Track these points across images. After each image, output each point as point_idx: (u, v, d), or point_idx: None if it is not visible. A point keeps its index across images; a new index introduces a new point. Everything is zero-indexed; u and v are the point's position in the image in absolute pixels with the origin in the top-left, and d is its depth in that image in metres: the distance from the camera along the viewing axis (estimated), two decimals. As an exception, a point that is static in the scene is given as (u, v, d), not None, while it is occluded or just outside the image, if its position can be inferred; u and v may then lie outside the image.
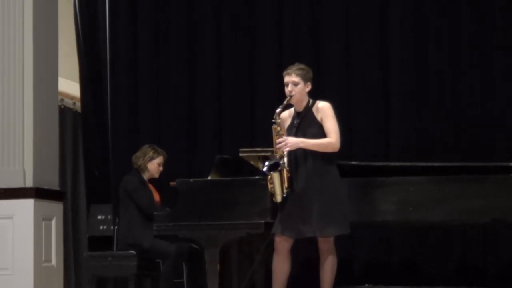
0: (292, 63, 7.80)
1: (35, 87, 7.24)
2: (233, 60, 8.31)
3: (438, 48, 7.86)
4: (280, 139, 5.74)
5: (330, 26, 8.08)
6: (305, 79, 5.85)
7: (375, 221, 6.29)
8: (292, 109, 5.93)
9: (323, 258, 5.88)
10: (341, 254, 6.03)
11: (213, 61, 8.34)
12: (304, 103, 5.88)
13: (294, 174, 5.77)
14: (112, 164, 8.37)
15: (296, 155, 5.78)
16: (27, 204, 7.10)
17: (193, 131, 8.33)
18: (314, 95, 5.98)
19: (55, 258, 7.37)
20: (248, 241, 6.70)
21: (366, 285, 7.60)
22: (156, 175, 7.40)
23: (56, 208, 7.41)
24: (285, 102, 5.79)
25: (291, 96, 5.80)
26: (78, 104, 9.02)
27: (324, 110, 5.84)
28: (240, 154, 6.63)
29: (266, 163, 5.73)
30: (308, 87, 5.88)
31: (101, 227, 8.15)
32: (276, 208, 5.96)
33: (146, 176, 7.38)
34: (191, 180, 6.37)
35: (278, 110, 5.78)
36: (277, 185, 5.70)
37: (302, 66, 5.92)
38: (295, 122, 5.87)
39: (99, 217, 8.18)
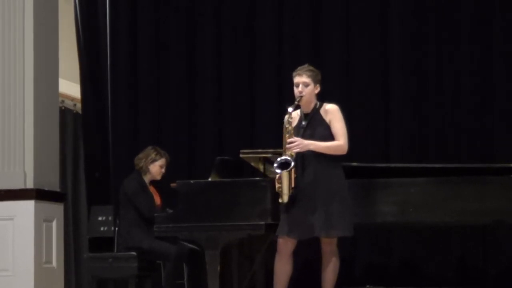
0: (292, 63, 7.84)
1: (36, 88, 7.25)
2: (233, 60, 8.31)
3: (438, 49, 7.86)
4: (291, 139, 5.73)
5: (330, 25, 8.08)
6: (315, 81, 5.88)
7: (375, 222, 6.29)
8: (298, 111, 5.92)
9: (325, 260, 5.88)
10: (341, 255, 6.03)
11: (214, 61, 8.34)
12: (312, 105, 5.90)
13: (300, 175, 5.77)
14: (112, 165, 8.36)
15: (304, 155, 5.78)
16: (28, 206, 7.11)
17: (194, 132, 8.33)
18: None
19: (56, 259, 7.38)
20: (248, 242, 6.69)
21: (367, 286, 7.59)
22: (158, 177, 7.38)
23: (56, 210, 7.42)
24: (296, 102, 5.80)
25: (301, 97, 5.80)
26: (79, 105, 9.02)
27: (332, 112, 5.87)
28: (241, 155, 6.63)
29: (278, 160, 5.71)
30: (317, 89, 5.91)
31: (101, 229, 8.15)
32: (277, 209, 5.96)
33: (147, 178, 7.36)
34: (192, 181, 6.36)
35: (290, 110, 5.77)
36: (285, 185, 5.69)
37: (312, 68, 5.94)
38: (303, 123, 5.87)
39: (100, 218, 8.17)
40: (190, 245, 7.20)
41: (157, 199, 7.35)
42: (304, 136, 5.78)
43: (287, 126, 5.78)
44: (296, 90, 5.85)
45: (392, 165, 6.78)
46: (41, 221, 7.19)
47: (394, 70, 7.92)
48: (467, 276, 7.61)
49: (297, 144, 5.71)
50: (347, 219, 5.79)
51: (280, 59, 8.17)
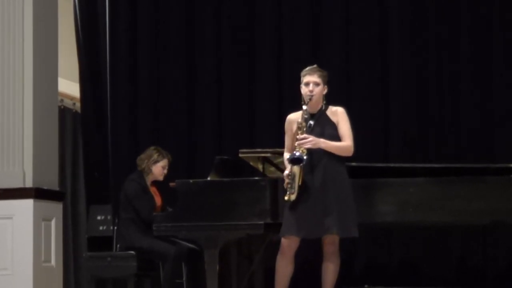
0: (292, 63, 7.88)
1: (35, 88, 7.24)
2: (233, 60, 8.30)
3: (438, 49, 7.86)
4: (303, 135, 5.73)
5: (330, 25, 8.08)
6: (324, 82, 5.92)
7: (375, 222, 6.29)
8: (301, 112, 5.90)
9: (327, 260, 5.87)
10: (340, 255, 6.02)
11: (213, 61, 8.33)
12: (319, 105, 5.91)
13: (309, 172, 5.75)
14: (111, 164, 8.36)
15: (312, 153, 5.77)
16: (27, 205, 7.10)
17: (193, 132, 8.32)
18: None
19: (55, 259, 7.37)
20: (247, 242, 6.69)
21: (366, 286, 7.59)
22: (160, 178, 7.37)
23: (55, 209, 7.41)
24: (308, 100, 5.79)
25: (312, 96, 5.81)
26: (78, 105, 9.01)
27: (340, 114, 5.91)
28: (240, 155, 6.63)
29: (290, 155, 5.68)
30: (325, 90, 5.93)
31: (100, 228, 8.15)
32: (276, 208, 5.96)
33: (149, 179, 7.35)
34: (191, 181, 6.36)
35: (305, 107, 5.77)
36: (296, 181, 5.66)
37: (320, 69, 5.95)
38: (310, 122, 5.86)
39: (99, 217, 8.17)
40: (189, 245, 7.20)
41: (158, 200, 7.34)
42: (313, 134, 5.78)
43: (299, 121, 5.77)
44: (306, 89, 5.85)
45: (392, 165, 6.78)
46: (40, 220, 7.18)
47: (394, 70, 7.92)
48: (466, 275, 7.60)
49: (310, 140, 5.71)
50: (356, 220, 5.81)
51: (280, 59, 8.16)
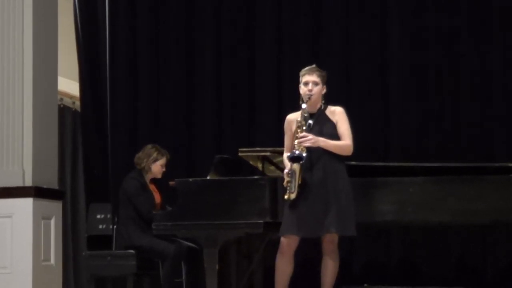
0: (291, 62, 7.87)
1: (35, 86, 7.25)
2: (232, 59, 8.30)
3: (438, 48, 7.85)
4: (302, 134, 5.73)
5: (330, 25, 8.07)
6: (323, 82, 5.93)
7: (374, 221, 6.28)
8: (300, 112, 5.90)
9: (326, 259, 5.87)
10: (340, 254, 6.02)
11: (213, 60, 8.33)
12: (318, 105, 5.92)
13: (308, 170, 5.75)
14: (111, 163, 8.36)
15: (311, 152, 5.77)
16: (26, 203, 7.10)
17: (193, 131, 8.32)
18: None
19: (54, 257, 7.37)
20: (246, 241, 6.69)
21: (365, 285, 7.59)
22: (159, 176, 7.38)
23: (55, 207, 7.42)
24: (307, 99, 5.80)
25: (311, 95, 5.82)
26: (78, 103, 9.01)
27: (340, 113, 5.92)
28: (239, 154, 6.63)
29: (290, 153, 5.68)
30: (324, 90, 5.94)
31: (100, 226, 8.14)
32: (275, 207, 5.95)
33: (148, 177, 7.36)
34: (190, 179, 6.36)
35: (304, 106, 5.78)
36: (296, 180, 5.65)
37: (319, 69, 5.96)
38: (309, 121, 5.86)
39: (98, 216, 8.17)
40: (189, 243, 7.20)
41: (157, 197, 7.35)
42: (313, 134, 5.78)
43: (299, 120, 5.77)
44: (305, 89, 5.86)
45: (391, 164, 6.78)
46: (39, 219, 7.18)
47: (393, 69, 7.92)
48: (466, 275, 7.60)
49: (310, 138, 5.71)
50: (354, 218, 5.81)
51: (279, 58, 8.16)
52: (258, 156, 6.65)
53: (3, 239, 7.11)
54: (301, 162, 5.64)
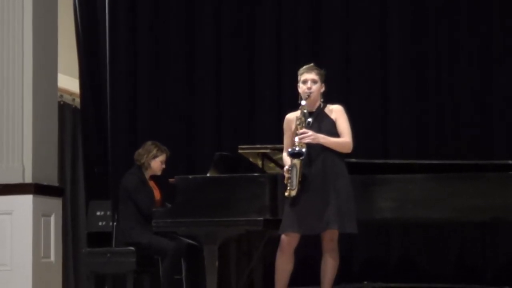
0: (291, 61, 7.88)
1: (35, 83, 7.25)
2: (232, 57, 8.31)
3: (437, 47, 7.86)
4: (302, 130, 5.73)
5: (329, 25, 8.09)
6: (321, 80, 5.92)
7: (374, 219, 6.27)
8: (299, 111, 5.90)
9: (326, 257, 5.86)
10: (339, 252, 6.02)
11: (213, 58, 8.34)
12: (317, 103, 5.92)
13: (307, 169, 5.75)
14: (111, 160, 8.37)
15: (311, 148, 5.76)
16: (26, 200, 7.11)
17: (192, 128, 8.33)
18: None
19: (54, 254, 7.38)
20: (246, 238, 6.69)
21: (365, 282, 7.60)
22: (159, 173, 7.38)
23: (55, 204, 7.42)
24: (307, 97, 5.79)
25: (311, 93, 5.82)
26: (78, 100, 9.00)
27: (339, 111, 5.90)
28: (239, 151, 6.63)
29: (290, 149, 5.68)
30: (323, 88, 5.93)
31: (100, 223, 8.14)
32: (275, 205, 5.95)
33: (148, 173, 7.36)
34: (190, 176, 6.35)
35: (303, 102, 5.78)
36: (296, 177, 5.64)
37: (318, 67, 5.96)
38: (309, 119, 5.86)
39: (98, 213, 8.17)
40: (188, 241, 7.21)
41: (157, 194, 7.36)
42: (312, 130, 5.78)
43: (298, 116, 5.77)
44: (304, 87, 5.85)
45: (391, 161, 6.77)
46: (39, 216, 7.19)
47: (393, 69, 7.92)
48: (465, 272, 7.61)
49: (309, 135, 5.71)
50: (355, 215, 5.81)
51: (279, 57, 8.17)
52: (258, 153, 6.65)
53: (3, 236, 7.11)
54: (301, 158, 5.64)
